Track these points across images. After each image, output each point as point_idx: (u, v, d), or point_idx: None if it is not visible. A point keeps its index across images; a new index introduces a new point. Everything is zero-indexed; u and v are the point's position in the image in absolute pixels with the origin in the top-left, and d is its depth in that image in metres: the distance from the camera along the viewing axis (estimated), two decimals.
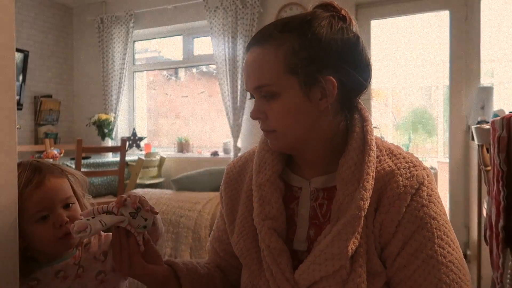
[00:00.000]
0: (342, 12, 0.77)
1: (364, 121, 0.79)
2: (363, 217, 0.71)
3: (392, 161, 0.76)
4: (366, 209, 0.71)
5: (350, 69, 0.74)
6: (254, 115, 0.78)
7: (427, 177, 0.75)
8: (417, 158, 0.79)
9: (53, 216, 0.84)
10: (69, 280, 0.87)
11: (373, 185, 0.73)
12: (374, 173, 0.74)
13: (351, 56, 0.75)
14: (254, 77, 0.75)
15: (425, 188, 0.73)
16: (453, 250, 0.71)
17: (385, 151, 0.78)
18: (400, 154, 0.78)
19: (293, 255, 0.78)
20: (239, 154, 0.99)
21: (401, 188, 0.72)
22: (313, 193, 0.80)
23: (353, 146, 0.76)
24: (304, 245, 0.78)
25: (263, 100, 0.76)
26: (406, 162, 0.76)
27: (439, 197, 0.76)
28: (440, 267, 0.69)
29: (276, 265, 0.75)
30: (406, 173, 0.74)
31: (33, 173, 0.85)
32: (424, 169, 0.76)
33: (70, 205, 0.88)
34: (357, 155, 0.75)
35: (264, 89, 0.74)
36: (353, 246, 0.70)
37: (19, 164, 0.85)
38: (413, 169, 0.75)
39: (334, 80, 0.73)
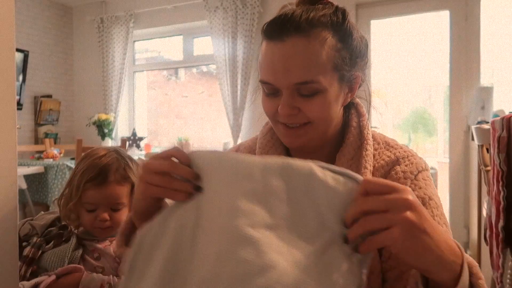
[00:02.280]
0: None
1: (360, 116, 0.81)
2: None
3: (390, 152, 0.78)
4: None
5: (365, 66, 0.77)
6: (288, 112, 0.70)
7: (424, 166, 0.78)
8: (412, 149, 0.82)
9: (99, 212, 0.98)
10: (91, 258, 0.98)
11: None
12: (372, 167, 0.75)
13: (366, 53, 0.77)
14: (298, 72, 0.68)
15: (423, 175, 0.76)
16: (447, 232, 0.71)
17: (383, 144, 0.80)
18: (397, 145, 0.80)
19: None
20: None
21: (400, 173, 0.74)
22: None
23: (350, 141, 0.77)
24: None
25: (295, 94, 0.70)
26: (404, 152, 0.78)
27: (435, 186, 0.78)
28: None
29: None
30: (405, 161, 0.76)
31: (98, 174, 0.98)
32: (421, 158, 0.79)
33: (118, 209, 1.00)
34: (354, 149, 0.76)
35: (310, 85, 0.68)
36: None
37: (103, 153, 1.02)
38: (412, 158, 0.77)
39: (360, 76, 0.75)
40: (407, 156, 0.77)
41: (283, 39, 0.68)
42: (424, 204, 0.71)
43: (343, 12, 0.73)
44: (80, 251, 0.97)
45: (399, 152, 0.78)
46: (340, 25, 0.71)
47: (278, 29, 0.68)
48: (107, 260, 0.98)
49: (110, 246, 0.99)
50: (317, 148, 0.79)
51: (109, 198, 0.98)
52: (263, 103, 0.76)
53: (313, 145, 0.77)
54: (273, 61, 0.69)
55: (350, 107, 0.81)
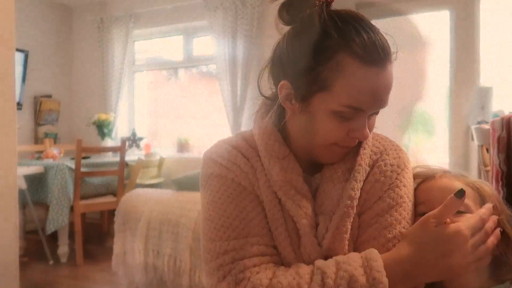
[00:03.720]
0: None
1: None
2: (355, 206, 0.72)
3: (379, 142, 0.80)
4: (357, 199, 0.73)
5: None
6: (368, 135, 0.73)
7: (408, 161, 0.79)
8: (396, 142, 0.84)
9: None
10: None
11: (364, 177, 0.75)
12: (367, 165, 0.76)
13: None
14: (387, 98, 0.70)
15: (408, 170, 0.78)
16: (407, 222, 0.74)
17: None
18: (383, 137, 0.83)
19: None
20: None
21: (388, 166, 0.76)
22: (316, 189, 0.78)
23: None
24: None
25: (366, 116, 0.72)
26: (392, 145, 0.80)
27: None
28: (398, 218, 0.72)
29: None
30: (393, 154, 0.78)
31: None
32: (405, 153, 0.81)
33: None
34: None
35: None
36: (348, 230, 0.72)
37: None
38: (399, 151, 0.79)
39: None
40: (395, 150, 0.79)
41: (385, 66, 0.67)
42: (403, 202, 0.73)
43: None
44: None
45: (387, 144, 0.80)
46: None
47: (381, 55, 0.67)
48: None
49: None
50: None
51: None
52: (330, 128, 0.70)
53: None
54: (377, 89, 0.67)
55: None
